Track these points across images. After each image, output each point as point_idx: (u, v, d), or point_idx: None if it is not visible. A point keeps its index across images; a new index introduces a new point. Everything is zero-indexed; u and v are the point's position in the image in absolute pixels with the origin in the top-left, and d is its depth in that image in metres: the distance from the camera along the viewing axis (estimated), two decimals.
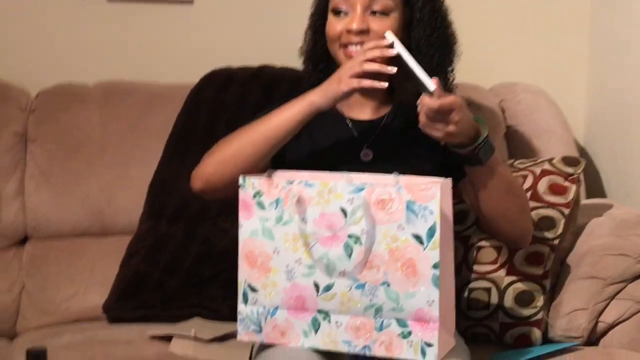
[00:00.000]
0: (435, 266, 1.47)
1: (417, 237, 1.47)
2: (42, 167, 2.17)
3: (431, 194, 1.47)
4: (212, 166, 1.67)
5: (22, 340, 1.98)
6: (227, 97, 2.19)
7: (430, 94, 1.52)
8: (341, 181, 1.54)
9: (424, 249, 1.47)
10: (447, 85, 1.69)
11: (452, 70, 1.73)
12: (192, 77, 2.24)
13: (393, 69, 1.58)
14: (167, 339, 1.86)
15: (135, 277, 2.05)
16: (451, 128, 1.54)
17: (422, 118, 1.55)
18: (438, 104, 1.52)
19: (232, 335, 1.74)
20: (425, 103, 1.53)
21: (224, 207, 2.05)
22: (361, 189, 1.51)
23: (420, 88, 1.55)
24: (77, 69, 2.32)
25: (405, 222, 1.48)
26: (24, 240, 2.17)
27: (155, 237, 2.09)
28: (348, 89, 1.58)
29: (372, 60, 1.57)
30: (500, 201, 1.66)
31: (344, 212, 1.52)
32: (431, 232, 1.47)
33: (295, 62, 1.83)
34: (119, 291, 2.04)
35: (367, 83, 1.57)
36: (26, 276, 2.11)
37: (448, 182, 1.52)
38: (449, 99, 1.53)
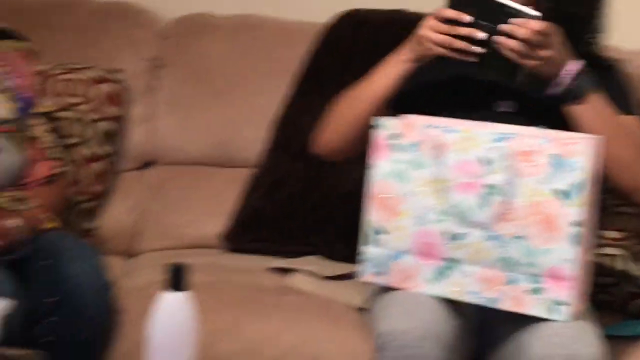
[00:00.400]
0: (576, 224, 1.43)
1: (560, 193, 1.43)
2: (172, 93, 2.19)
3: (579, 150, 1.42)
4: (328, 134, 1.72)
5: (141, 259, 2.02)
6: (360, 40, 2.16)
7: (532, 17, 1.48)
8: (483, 129, 1.50)
9: (566, 205, 1.43)
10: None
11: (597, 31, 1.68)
12: (323, 16, 2.21)
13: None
14: (285, 272, 1.86)
15: (254, 212, 2.05)
16: (549, 52, 1.51)
17: (515, 45, 1.50)
18: (542, 24, 1.48)
19: (351, 276, 1.73)
20: (530, 26, 1.49)
21: None
22: (504, 139, 1.47)
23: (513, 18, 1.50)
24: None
25: (550, 176, 1.44)
26: (148, 164, 2.20)
27: (277, 174, 2.09)
28: (436, 54, 1.58)
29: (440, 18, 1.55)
30: (609, 144, 1.54)
31: (483, 161, 1.48)
32: (576, 188, 1.42)
33: (431, 7, 1.78)
34: (238, 224, 2.05)
35: (454, 56, 1.56)
36: (149, 199, 2.14)
37: (599, 139, 1.46)
38: (545, 22, 1.50)
